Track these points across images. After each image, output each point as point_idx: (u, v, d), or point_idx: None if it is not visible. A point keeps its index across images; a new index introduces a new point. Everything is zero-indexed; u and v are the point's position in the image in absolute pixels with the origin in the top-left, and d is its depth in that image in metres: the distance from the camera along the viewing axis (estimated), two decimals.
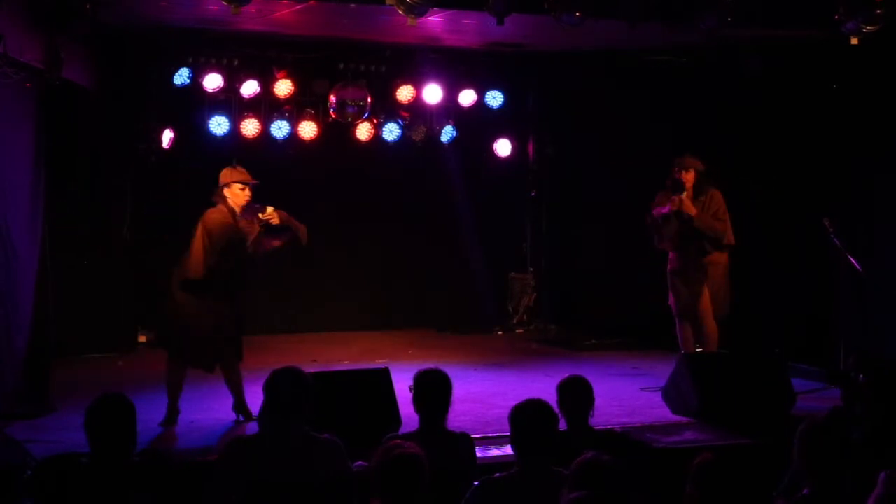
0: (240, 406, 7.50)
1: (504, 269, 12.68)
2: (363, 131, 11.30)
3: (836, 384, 8.13)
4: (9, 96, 7.50)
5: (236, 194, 7.51)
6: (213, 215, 7.47)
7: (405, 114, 11.43)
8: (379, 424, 6.29)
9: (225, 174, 7.58)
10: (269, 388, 4.70)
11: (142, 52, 10.06)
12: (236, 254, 7.43)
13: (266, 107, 10.90)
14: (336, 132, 11.21)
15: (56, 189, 8.72)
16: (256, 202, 7.59)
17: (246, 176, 7.58)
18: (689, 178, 8.76)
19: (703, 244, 8.75)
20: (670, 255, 8.97)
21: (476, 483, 4.40)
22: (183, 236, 7.66)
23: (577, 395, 5.07)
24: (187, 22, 9.20)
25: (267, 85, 10.70)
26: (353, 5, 8.02)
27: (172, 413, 7.36)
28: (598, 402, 5.15)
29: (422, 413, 5.01)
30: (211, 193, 7.60)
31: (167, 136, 10.46)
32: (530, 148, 12.69)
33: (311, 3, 7.98)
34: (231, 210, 7.50)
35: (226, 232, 7.42)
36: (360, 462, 4.87)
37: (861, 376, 5.20)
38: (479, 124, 11.88)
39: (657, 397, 7.94)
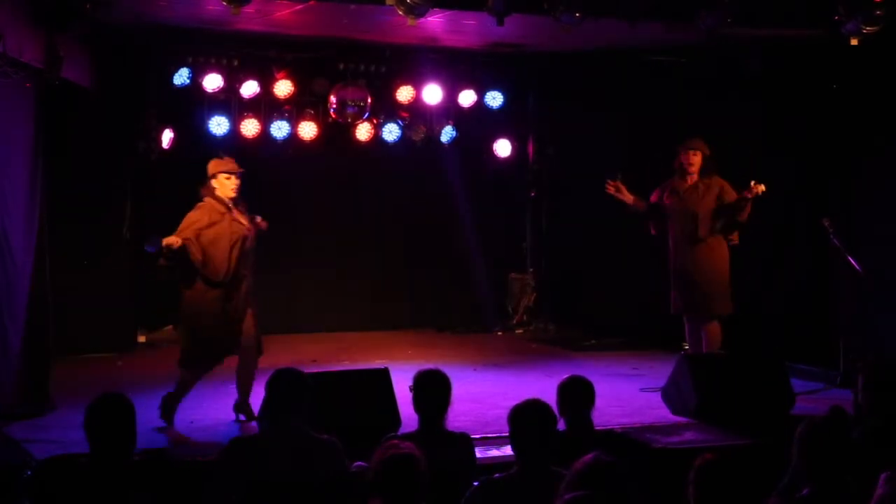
0: (242, 405, 7.50)
1: (504, 269, 12.67)
2: (363, 131, 11.29)
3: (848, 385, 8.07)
4: (8, 95, 7.50)
5: (223, 184, 7.48)
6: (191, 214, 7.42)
7: (405, 114, 11.43)
8: (379, 424, 6.28)
9: (212, 165, 7.57)
10: (269, 388, 4.75)
11: (142, 52, 10.06)
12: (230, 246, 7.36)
13: (266, 107, 10.89)
14: (336, 132, 11.21)
15: (56, 188, 8.71)
16: (242, 200, 7.55)
17: (232, 165, 7.56)
18: (695, 160, 8.52)
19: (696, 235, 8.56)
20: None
21: (475, 483, 4.40)
22: None
23: (577, 395, 5.07)
24: (187, 22, 9.20)
25: (267, 85, 10.69)
26: (353, 5, 8.02)
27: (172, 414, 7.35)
28: (598, 402, 5.15)
29: (421, 413, 5.02)
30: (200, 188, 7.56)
31: (167, 136, 10.46)
32: (530, 148, 12.67)
33: (311, 3, 7.97)
34: (220, 200, 7.46)
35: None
36: (359, 462, 4.87)
37: (860, 376, 5.19)
38: (478, 125, 11.87)
39: (657, 397, 7.94)
